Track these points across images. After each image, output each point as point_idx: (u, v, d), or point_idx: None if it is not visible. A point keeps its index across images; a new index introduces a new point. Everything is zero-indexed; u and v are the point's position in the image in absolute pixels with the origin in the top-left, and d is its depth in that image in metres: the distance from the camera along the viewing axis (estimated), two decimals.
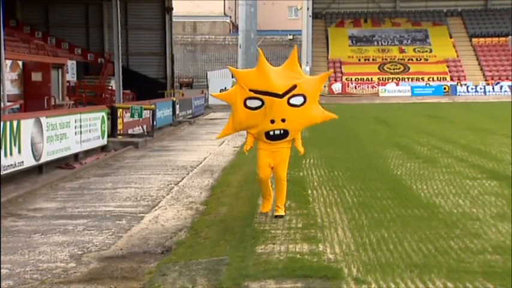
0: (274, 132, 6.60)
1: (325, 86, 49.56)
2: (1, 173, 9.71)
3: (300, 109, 6.54)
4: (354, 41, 56.25)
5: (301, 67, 6.88)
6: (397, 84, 50.59)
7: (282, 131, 6.60)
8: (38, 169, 11.36)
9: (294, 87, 6.50)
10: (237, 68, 7.04)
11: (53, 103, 21.16)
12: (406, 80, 51.27)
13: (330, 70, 7.34)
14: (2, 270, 5.67)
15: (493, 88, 49.63)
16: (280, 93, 6.46)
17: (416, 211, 7.03)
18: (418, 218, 6.68)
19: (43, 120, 11.44)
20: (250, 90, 6.51)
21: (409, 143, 14.52)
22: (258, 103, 6.51)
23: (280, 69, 6.69)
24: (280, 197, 6.82)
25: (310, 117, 6.68)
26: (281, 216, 6.73)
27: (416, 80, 51.32)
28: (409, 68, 52.91)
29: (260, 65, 6.58)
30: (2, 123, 9.81)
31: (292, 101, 6.50)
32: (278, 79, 6.50)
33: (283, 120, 6.54)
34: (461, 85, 50.00)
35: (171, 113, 23.78)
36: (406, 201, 7.57)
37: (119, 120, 17.37)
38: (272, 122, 6.55)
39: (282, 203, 6.86)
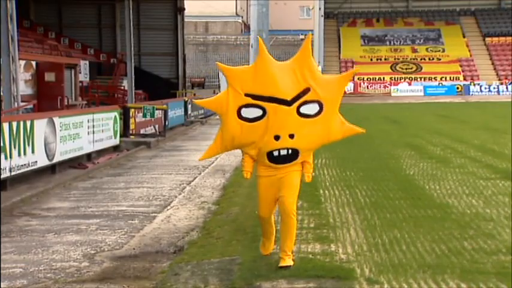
0: (279, 153, 4.88)
1: None
2: (13, 174, 9.78)
3: (314, 121, 4.87)
4: (366, 41, 56.08)
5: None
6: (410, 84, 50.38)
7: (290, 151, 4.88)
8: (51, 169, 11.43)
9: (307, 90, 4.85)
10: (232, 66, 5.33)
11: (66, 103, 21.29)
12: (419, 79, 51.05)
13: (356, 67, 5.51)
14: (15, 270, 5.72)
15: (507, 87, 49.27)
16: (288, 99, 4.80)
17: (429, 211, 7.00)
18: (431, 219, 6.64)
19: (56, 120, 11.50)
20: (247, 95, 4.85)
21: (421, 143, 14.45)
22: (257, 112, 4.83)
23: (287, 64, 4.97)
24: (289, 239, 5.00)
25: (327, 132, 4.97)
26: (288, 267, 4.94)
27: (429, 79, 51.08)
28: (421, 68, 52.67)
29: (260, 60, 4.87)
30: (15, 123, 9.89)
31: (303, 109, 4.83)
32: (285, 79, 4.84)
33: (291, 136, 4.83)
34: (474, 85, 49.70)
35: (183, 113, 23.85)
36: (419, 202, 7.53)
37: (131, 120, 17.44)
38: (277, 138, 4.84)
39: (291, 247, 5.05)
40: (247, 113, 4.86)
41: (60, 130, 11.66)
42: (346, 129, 5.11)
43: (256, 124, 4.85)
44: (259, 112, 4.83)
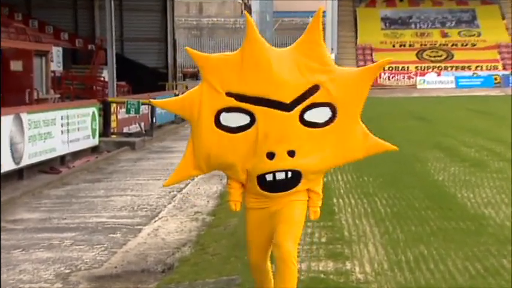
0: (274, 177, 4.06)
1: None
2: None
3: (324, 131, 4.09)
4: (387, 24, 56.17)
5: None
6: (439, 75, 50.48)
7: (289, 174, 4.06)
8: (18, 174, 11.46)
9: (314, 89, 4.07)
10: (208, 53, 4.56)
11: (35, 97, 21.34)
12: (450, 69, 51.14)
13: (388, 58, 4.63)
14: None
15: None
16: (288, 101, 4.03)
17: (462, 224, 7.02)
18: (464, 232, 6.66)
19: (24, 116, 11.54)
20: (229, 94, 4.09)
21: (452, 144, 14.49)
22: (243, 119, 4.07)
23: (288, 52, 4.17)
24: None
25: (343, 147, 4.15)
26: None
27: (462, 69, 51.18)
28: (452, 56, 52.73)
29: (248, 45, 4.13)
30: None
31: (309, 116, 4.06)
32: (284, 73, 4.05)
33: (290, 154, 4.04)
34: None
35: None
36: (450, 212, 7.55)
37: (113, 117, 17.49)
38: (270, 156, 4.03)
39: None
40: (229, 120, 4.07)
41: (29, 128, 11.69)
42: (371, 145, 4.21)
43: (240, 136, 4.07)
44: (245, 119, 4.06)
